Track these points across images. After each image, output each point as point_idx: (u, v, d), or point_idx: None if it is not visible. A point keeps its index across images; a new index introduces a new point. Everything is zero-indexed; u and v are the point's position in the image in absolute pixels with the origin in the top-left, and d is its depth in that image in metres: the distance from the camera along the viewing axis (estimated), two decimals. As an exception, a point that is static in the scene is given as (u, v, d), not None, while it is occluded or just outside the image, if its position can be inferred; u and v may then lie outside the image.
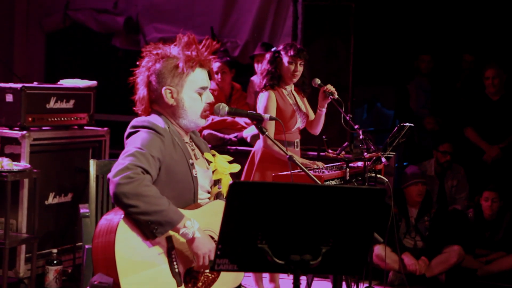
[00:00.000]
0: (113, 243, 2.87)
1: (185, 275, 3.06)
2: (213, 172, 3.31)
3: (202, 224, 3.08)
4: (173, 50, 3.19)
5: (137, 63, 3.24)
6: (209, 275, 3.14)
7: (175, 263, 3.01)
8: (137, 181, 2.88)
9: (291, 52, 5.15)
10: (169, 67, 3.16)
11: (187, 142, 3.24)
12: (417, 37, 7.99)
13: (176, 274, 3.01)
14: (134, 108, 3.27)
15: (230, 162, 3.37)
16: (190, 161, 3.17)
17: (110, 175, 2.92)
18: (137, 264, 2.91)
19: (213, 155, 3.35)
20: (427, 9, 8.03)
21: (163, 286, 2.98)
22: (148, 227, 2.89)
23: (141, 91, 3.22)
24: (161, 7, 8.34)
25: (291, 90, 5.32)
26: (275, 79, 5.20)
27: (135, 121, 3.14)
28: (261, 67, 5.36)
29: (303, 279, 5.13)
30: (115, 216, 2.94)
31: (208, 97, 3.25)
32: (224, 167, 3.32)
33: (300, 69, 5.21)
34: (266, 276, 5.54)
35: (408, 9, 7.97)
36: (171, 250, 3.01)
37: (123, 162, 2.93)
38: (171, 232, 2.98)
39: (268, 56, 5.31)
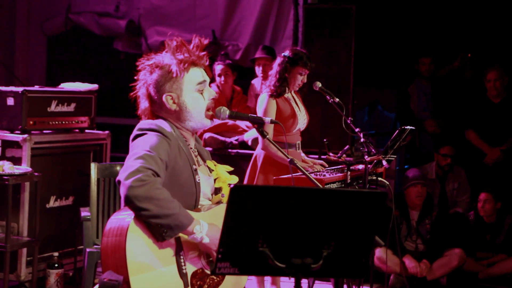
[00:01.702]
0: (124, 242, 2.89)
1: (192, 277, 3.07)
2: (215, 180, 3.32)
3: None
4: (165, 57, 3.20)
5: (135, 77, 3.26)
6: (215, 278, 3.16)
7: (183, 264, 3.03)
8: (149, 184, 2.88)
9: (305, 65, 5.18)
10: (164, 75, 3.18)
11: (191, 148, 3.25)
12: (418, 39, 7.99)
13: (184, 275, 3.04)
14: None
15: (230, 173, 3.38)
16: (194, 166, 3.18)
17: (121, 178, 2.91)
18: (146, 264, 2.93)
19: (215, 165, 3.36)
20: (428, 12, 8.03)
21: (171, 286, 3.00)
22: (158, 230, 2.91)
23: (143, 104, 3.25)
24: (163, 10, 8.35)
25: (290, 92, 5.33)
26: (285, 86, 5.21)
27: (142, 124, 3.15)
28: (272, 71, 5.31)
29: (304, 282, 5.13)
30: (126, 216, 2.95)
31: (210, 93, 3.26)
32: (225, 176, 3.33)
33: (305, 79, 5.27)
34: (267, 279, 5.54)
35: (409, 12, 7.97)
36: (179, 251, 3.03)
37: (133, 165, 2.92)
38: (180, 234, 3.00)
39: (279, 61, 5.28)
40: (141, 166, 2.91)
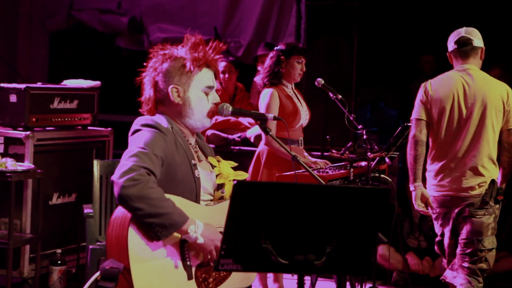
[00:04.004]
0: (126, 230, 2.90)
1: (197, 269, 3.07)
2: (217, 176, 3.31)
3: (216, 221, 3.11)
4: (181, 50, 3.21)
5: (144, 64, 3.26)
6: (221, 272, 3.15)
7: (187, 256, 3.03)
8: (142, 184, 2.88)
9: (300, 52, 5.23)
10: (176, 67, 3.18)
11: (191, 144, 3.25)
12: (420, 37, 7.99)
13: (188, 267, 3.03)
14: (140, 110, 3.28)
15: (235, 169, 3.38)
16: (193, 161, 3.17)
17: (114, 177, 2.91)
18: (149, 253, 2.94)
19: (218, 161, 3.36)
20: (430, 10, 8.02)
21: (173, 277, 3.00)
22: (153, 230, 2.90)
23: (147, 92, 3.24)
24: (165, 7, 8.35)
25: (292, 88, 5.35)
26: (277, 78, 5.25)
27: (138, 120, 3.16)
28: (265, 65, 5.37)
29: (307, 279, 5.13)
30: None
31: (215, 98, 3.26)
32: (228, 172, 3.33)
33: (304, 68, 5.30)
34: (270, 276, 5.55)
35: (412, 9, 7.96)
36: (184, 243, 3.03)
37: (127, 163, 2.93)
38: (174, 233, 2.99)
39: (272, 54, 5.33)
40: (134, 164, 2.91)
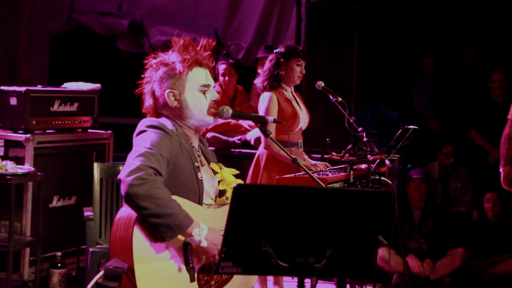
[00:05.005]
0: (131, 231, 2.91)
1: (199, 271, 3.07)
2: (219, 182, 3.32)
3: (219, 224, 3.10)
4: (171, 55, 3.25)
5: (142, 76, 3.28)
6: (222, 275, 3.15)
7: (190, 258, 3.04)
8: (150, 183, 2.89)
9: (300, 54, 5.22)
10: (168, 71, 3.22)
11: (194, 147, 3.26)
12: (420, 39, 7.99)
13: (190, 269, 3.04)
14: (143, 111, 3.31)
15: (235, 176, 3.38)
16: (196, 164, 3.18)
17: (121, 176, 2.92)
18: (152, 254, 2.94)
19: (220, 168, 3.36)
20: (431, 12, 8.03)
21: (176, 278, 3.00)
22: (158, 230, 2.91)
23: (147, 102, 3.28)
24: (165, 10, 8.35)
25: (291, 91, 5.34)
26: (277, 81, 5.24)
27: (144, 121, 3.18)
28: (264, 68, 5.37)
29: (307, 282, 5.12)
30: None
31: (213, 95, 3.27)
32: (230, 179, 3.33)
33: (304, 70, 5.29)
34: (270, 279, 5.54)
35: (412, 12, 7.97)
36: (187, 245, 3.04)
37: (134, 163, 2.93)
38: (178, 236, 3.00)
39: (271, 57, 5.33)
40: (142, 164, 2.92)
